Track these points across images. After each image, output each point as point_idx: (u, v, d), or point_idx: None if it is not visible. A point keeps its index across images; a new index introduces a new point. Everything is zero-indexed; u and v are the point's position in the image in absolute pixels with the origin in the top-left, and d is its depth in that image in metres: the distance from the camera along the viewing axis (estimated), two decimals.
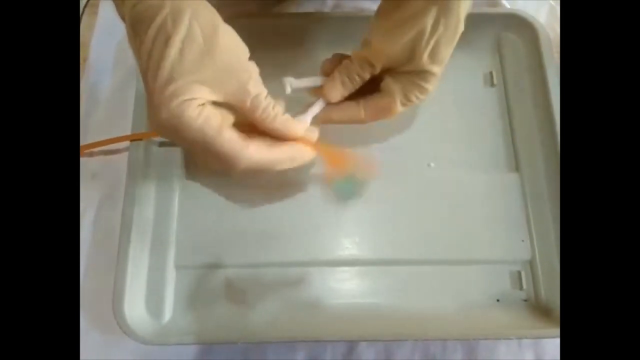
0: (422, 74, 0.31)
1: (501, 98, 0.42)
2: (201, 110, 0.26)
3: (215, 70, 0.26)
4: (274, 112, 0.29)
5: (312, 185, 0.39)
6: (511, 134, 0.40)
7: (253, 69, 0.28)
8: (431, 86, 0.32)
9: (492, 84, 0.42)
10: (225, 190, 0.38)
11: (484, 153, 0.40)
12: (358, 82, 0.32)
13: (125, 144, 0.38)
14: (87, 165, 0.41)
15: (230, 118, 0.29)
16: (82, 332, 0.36)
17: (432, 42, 0.30)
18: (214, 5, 0.43)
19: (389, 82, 0.32)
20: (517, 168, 0.39)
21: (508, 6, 0.45)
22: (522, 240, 0.37)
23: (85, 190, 0.40)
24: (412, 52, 0.30)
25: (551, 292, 0.36)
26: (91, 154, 0.41)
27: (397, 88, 0.32)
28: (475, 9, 0.43)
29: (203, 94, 0.27)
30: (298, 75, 0.42)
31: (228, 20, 0.41)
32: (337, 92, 0.32)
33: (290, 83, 0.32)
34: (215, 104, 0.28)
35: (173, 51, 0.25)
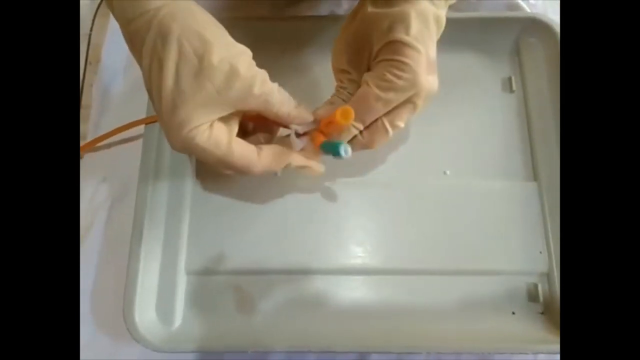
0: (393, 47, 0.28)
1: (520, 104, 0.41)
2: (209, 133, 0.27)
3: (216, 85, 0.26)
4: (287, 110, 0.29)
5: (325, 193, 0.38)
6: (530, 142, 0.39)
7: (256, 70, 0.28)
8: (410, 60, 0.27)
9: (511, 90, 0.41)
10: (237, 196, 0.38)
11: (501, 161, 0.39)
12: (346, 95, 0.31)
13: (137, 146, 0.38)
14: (97, 168, 0.40)
15: (236, 125, 0.29)
16: (91, 337, 0.36)
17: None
18: (227, 7, 0.43)
19: (364, 75, 0.30)
20: (535, 177, 0.38)
21: (528, 10, 0.44)
22: (540, 252, 0.36)
23: (96, 193, 0.40)
24: (374, 30, 0.28)
25: None
26: (108, 147, 0.41)
27: (371, 74, 0.29)
28: (494, 12, 0.42)
29: (208, 117, 0.27)
30: (312, 79, 0.41)
31: (241, 22, 0.41)
32: (328, 110, 0.31)
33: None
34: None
35: (170, 78, 0.25)
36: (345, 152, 0.29)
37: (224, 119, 0.28)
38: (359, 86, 0.30)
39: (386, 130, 0.30)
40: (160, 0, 0.26)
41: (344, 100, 0.31)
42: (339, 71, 0.32)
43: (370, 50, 0.29)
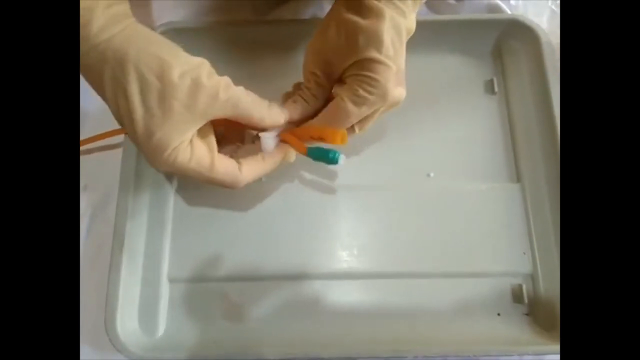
0: (365, 63, 0.29)
1: (502, 106, 0.41)
2: (191, 152, 0.27)
3: (182, 102, 0.26)
4: (260, 110, 0.29)
5: (310, 198, 0.38)
6: (512, 144, 0.39)
7: (218, 78, 0.28)
8: (380, 76, 0.29)
9: (493, 92, 0.41)
10: (221, 202, 0.38)
11: (484, 163, 0.39)
12: (310, 97, 0.32)
13: (117, 154, 0.37)
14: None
15: (214, 141, 0.29)
16: None
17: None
18: (209, 11, 0.42)
19: (336, 88, 0.31)
20: (518, 179, 0.38)
21: (508, 11, 0.44)
22: (524, 253, 0.36)
23: None
24: (347, 43, 0.29)
25: (553, 306, 0.35)
26: (89, 152, 0.40)
27: (344, 88, 0.30)
28: (474, 15, 0.43)
29: (184, 134, 0.27)
30: (294, 82, 0.41)
31: (223, 26, 0.41)
32: (293, 110, 0.32)
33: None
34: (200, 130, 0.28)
35: (138, 106, 0.25)
36: (342, 160, 0.31)
37: (202, 137, 0.29)
38: (324, 90, 0.32)
39: (354, 132, 0.32)
40: (109, 31, 0.25)
41: (305, 100, 0.32)
42: (308, 72, 0.32)
43: (342, 60, 0.30)
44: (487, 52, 0.42)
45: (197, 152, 0.28)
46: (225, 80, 0.28)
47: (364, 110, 0.30)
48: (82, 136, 0.40)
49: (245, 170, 0.30)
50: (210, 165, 0.28)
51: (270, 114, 0.30)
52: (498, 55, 0.42)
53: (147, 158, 0.27)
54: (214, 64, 0.28)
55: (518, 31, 0.41)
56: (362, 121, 0.31)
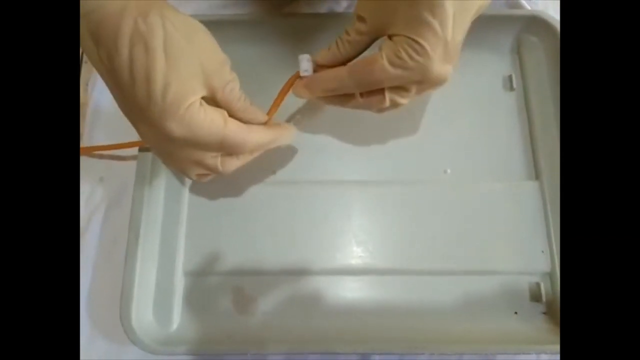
0: (415, 24, 0.26)
1: (521, 103, 0.40)
2: (204, 110, 0.27)
3: (201, 64, 0.26)
4: (245, 104, 0.30)
5: (324, 192, 0.38)
6: (531, 141, 0.39)
7: (226, 58, 0.28)
8: (428, 43, 0.26)
9: (512, 88, 0.40)
10: (235, 196, 0.38)
11: (502, 160, 0.38)
12: (345, 43, 0.30)
13: (135, 148, 0.38)
14: (95, 168, 0.40)
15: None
16: (87, 339, 0.36)
17: None
18: (225, 5, 0.42)
19: (383, 43, 0.28)
20: (537, 176, 0.38)
21: (528, 7, 0.43)
22: (542, 251, 0.36)
23: (93, 194, 0.39)
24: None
25: None
26: (100, 156, 0.40)
27: (387, 44, 0.28)
28: (494, 10, 0.42)
29: (198, 93, 0.27)
30: None
31: (239, 19, 0.41)
32: (323, 54, 0.31)
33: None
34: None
35: (158, 57, 0.25)
36: None
37: (210, 102, 0.28)
38: (362, 41, 0.29)
39: (384, 102, 0.30)
40: None
41: (338, 48, 0.30)
42: (355, 14, 0.29)
43: (395, 11, 0.27)
44: (506, 48, 0.42)
45: (210, 111, 0.27)
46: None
47: (399, 74, 0.27)
48: (99, 126, 0.40)
49: (255, 130, 0.30)
50: (225, 121, 0.28)
51: (253, 110, 0.30)
52: (517, 52, 0.42)
53: (158, 118, 0.26)
54: (228, 57, 0.29)
55: (538, 27, 0.40)
56: (396, 92, 0.29)
